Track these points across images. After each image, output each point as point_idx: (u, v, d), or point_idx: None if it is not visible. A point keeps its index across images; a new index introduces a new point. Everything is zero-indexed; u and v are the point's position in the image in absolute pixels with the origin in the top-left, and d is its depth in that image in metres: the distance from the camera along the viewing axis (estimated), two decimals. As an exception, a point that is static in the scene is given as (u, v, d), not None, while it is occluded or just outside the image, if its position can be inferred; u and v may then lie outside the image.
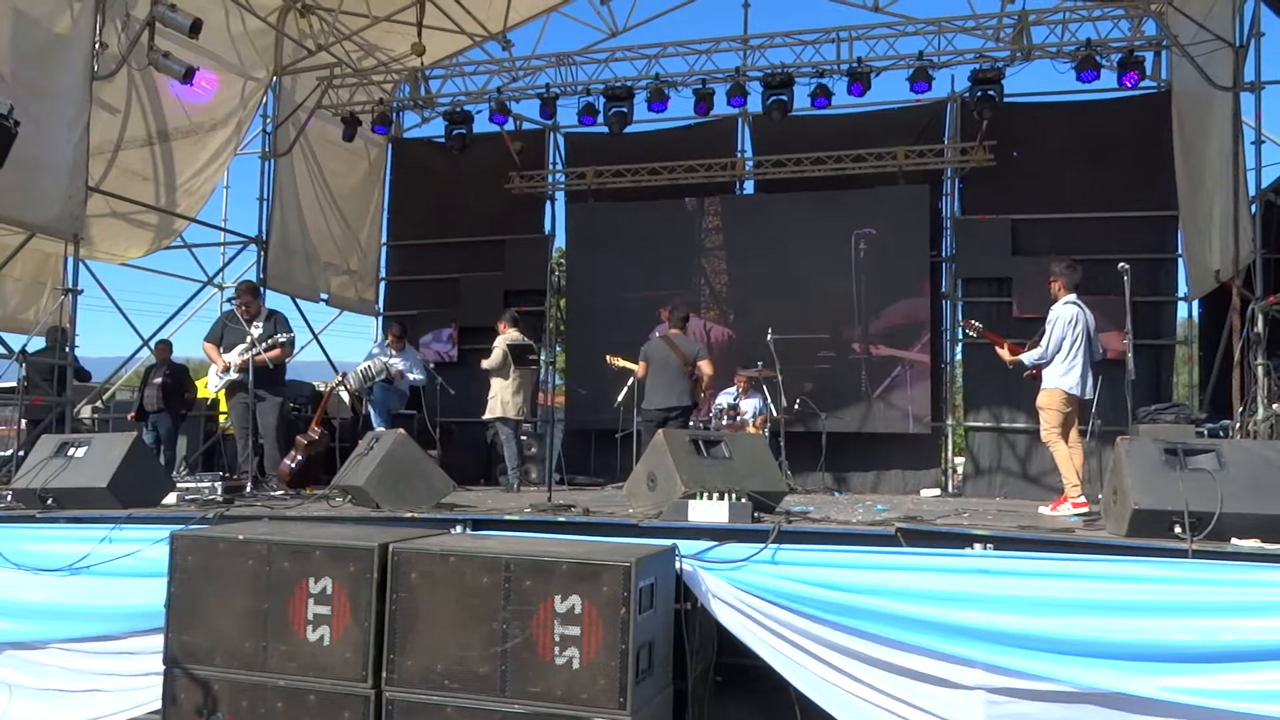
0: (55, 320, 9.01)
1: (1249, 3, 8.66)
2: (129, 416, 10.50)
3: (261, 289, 9.19)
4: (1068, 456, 6.35)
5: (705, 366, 8.56)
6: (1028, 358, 6.53)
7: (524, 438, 10.93)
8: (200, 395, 11.04)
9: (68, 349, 8.88)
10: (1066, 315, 6.38)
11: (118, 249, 10.27)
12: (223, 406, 11.65)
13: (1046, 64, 9.95)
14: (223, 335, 7.91)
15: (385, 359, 9.69)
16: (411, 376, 9.83)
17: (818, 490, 10.37)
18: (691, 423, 9.14)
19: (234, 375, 7.69)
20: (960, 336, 11.64)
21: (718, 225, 12.16)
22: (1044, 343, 6.42)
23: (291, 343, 8.00)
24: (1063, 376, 6.34)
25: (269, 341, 7.67)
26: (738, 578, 4.42)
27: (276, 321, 8.00)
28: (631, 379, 8.91)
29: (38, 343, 9.84)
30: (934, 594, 4.13)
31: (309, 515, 5.76)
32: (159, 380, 10.37)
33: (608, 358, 9.21)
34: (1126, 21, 9.93)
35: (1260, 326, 8.19)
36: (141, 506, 5.75)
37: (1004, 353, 6.83)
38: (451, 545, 4.28)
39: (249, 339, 7.64)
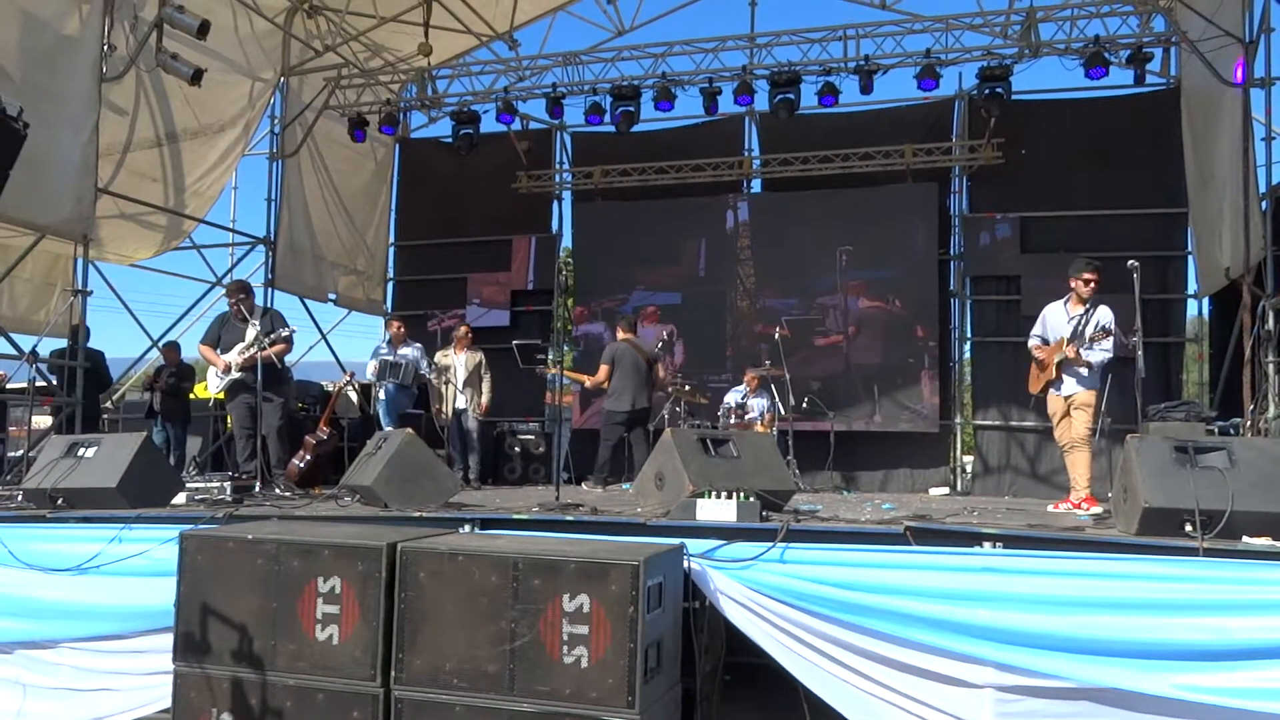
0: (66, 321, 9.04)
1: (1259, -2, 8.62)
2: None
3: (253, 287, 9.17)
4: (1090, 459, 6.36)
5: (659, 367, 9.27)
6: (1095, 356, 6.40)
7: (530, 437, 10.99)
8: (201, 396, 11.04)
9: (86, 347, 8.94)
10: (1111, 316, 6.42)
11: (127, 250, 10.31)
12: (226, 407, 11.70)
13: (1055, 61, 9.92)
14: (220, 336, 7.87)
15: (416, 361, 9.67)
16: (424, 365, 9.85)
17: (826, 489, 10.34)
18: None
19: (236, 375, 7.65)
20: (969, 334, 11.62)
21: (736, 219, 12.15)
22: (1111, 342, 6.36)
23: (292, 338, 7.95)
24: (1100, 377, 6.35)
25: (271, 337, 7.63)
26: (746, 576, 4.41)
27: (273, 318, 7.91)
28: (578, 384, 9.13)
29: (52, 343, 9.85)
30: (944, 592, 4.11)
31: (318, 515, 5.77)
32: (168, 381, 10.40)
33: (550, 369, 9.29)
34: (1135, 18, 9.89)
35: (1271, 324, 8.14)
36: (151, 506, 5.77)
37: (1069, 350, 6.51)
38: (460, 544, 4.28)
39: (249, 337, 7.61)
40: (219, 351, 7.76)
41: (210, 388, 8.16)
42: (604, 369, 9.12)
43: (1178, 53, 10.74)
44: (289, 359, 8.20)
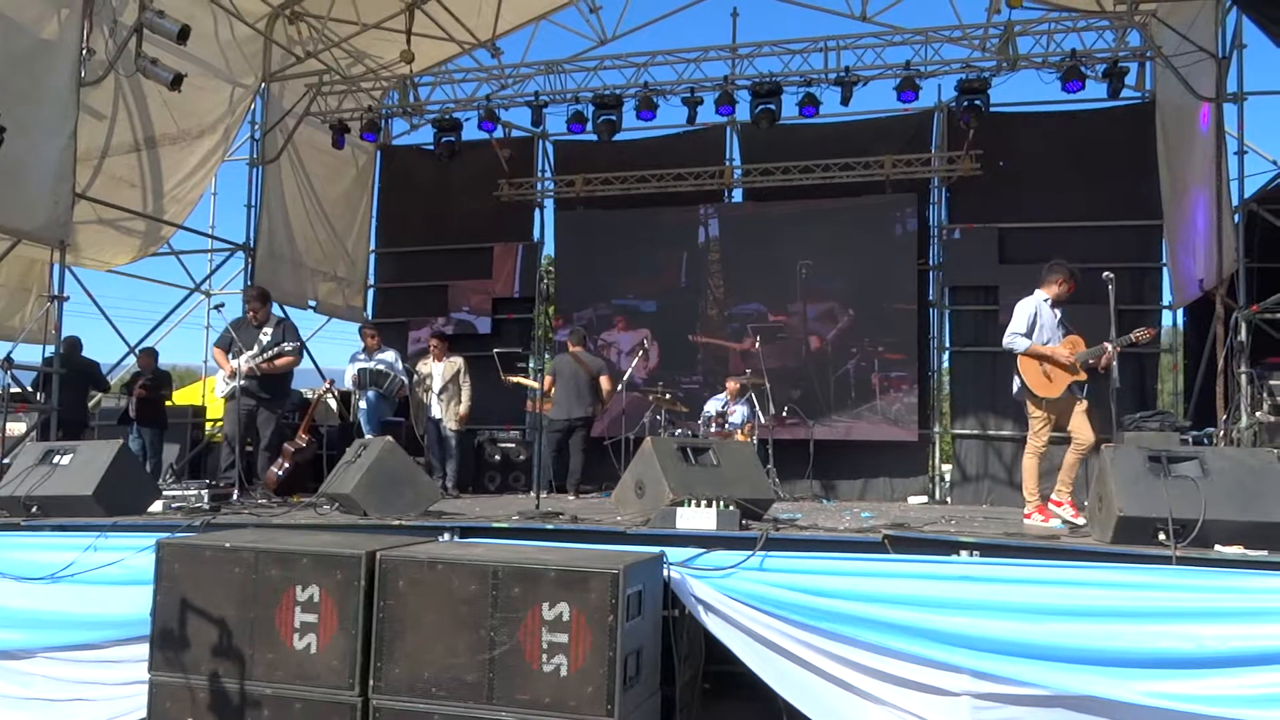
0: (42, 327, 8.97)
1: (1231, 15, 8.75)
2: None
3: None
4: None
5: (605, 381, 9.49)
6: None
7: (511, 445, 11.00)
8: (208, 401, 11.01)
9: (81, 357, 8.90)
10: None
11: (104, 255, 10.22)
12: (213, 413, 11.63)
13: (1032, 74, 10.01)
14: (232, 341, 7.85)
15: (398, 373, 9.65)
16: (400, 368, 9.84)
17: (805, 497, 10.39)
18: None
19: (241, 382, 7.63)
20: (948, 344, 11.72)
21: (709, 232, 12.21)
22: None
23: (299, 351, 7.96)
24: None
25: (275, 350, 7.63)
26: (725, 584, 4.42)
27: (285, 329, 7.95)
28: (537, 392, 9.42)
29: (29, 349, 9.80)
30: (921, 600, 4.15)
31: (296, 523, 5.74)
32: (143, 388, 10.31)
33: (503, 377, 9.53)
34: (1111, 32, 10.01)
35: (1243, 335, 8.26)
36: (127, 514, 5.72)
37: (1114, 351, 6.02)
38: (439, 553, 4.28)
39: (261, 345, 7.62)
40: (230, 356, 7.75)
41: (216, 391, 8.17)
42: (548, 379, 9.51)
43: (1153, 67, 10.89)
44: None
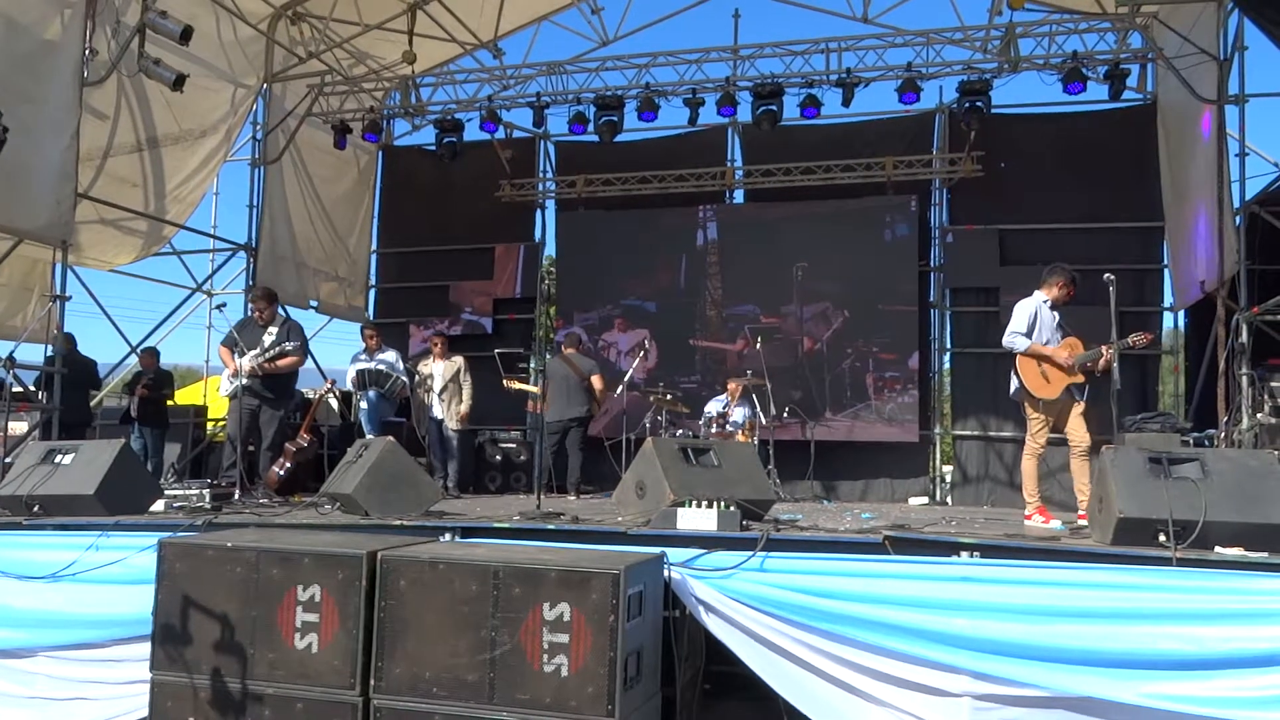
0: (44, 326, 8.99)
1: (1233, 17, 8.76)
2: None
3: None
4: None
5: (596, 381, 9.57)
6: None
7: (512, 445, 11.00)
8: (210, 400, 11.03)
9: (77, 353, 8.88)
10: None
11: (106, 255, 10.24)
12: (214, 413, 11.64)
13: (1034, 76, 10.03)
14: (237, 340, 7.87)
15: (400, 374, 9.66)
16: (400, 368, 9.85)
17: (806, 498, 10.39)
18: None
19: (243, 381, 7.64)
20: (949, 345, 11.72)
21: (708, 234, 12.22)
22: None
23: (302, 351, 7.96)
24: None
25: (278, 350, 7.65)
26: (726, 585, 4.43)
27: (290, 329, 7.96)
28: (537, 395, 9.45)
29: (31, 349, 9.79)
30: (921, 601, 4.15)
31: (297, 523, 5.75)
32: (145, 387, 10.33)
33: (505, 381, 9.60)
34: (1113, 34, 10.02)
35: (1245, 337, 8.26)
36: (129, 514, 5.73)
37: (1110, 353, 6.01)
38: (440, 553, 4.29)
39: (265, 345, 7.64)
40: (235, 355, 7.78)
41: (220, 390, 8.20)
42: (543, 382, 9.56)
43: (1154, 69, 10.89)
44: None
